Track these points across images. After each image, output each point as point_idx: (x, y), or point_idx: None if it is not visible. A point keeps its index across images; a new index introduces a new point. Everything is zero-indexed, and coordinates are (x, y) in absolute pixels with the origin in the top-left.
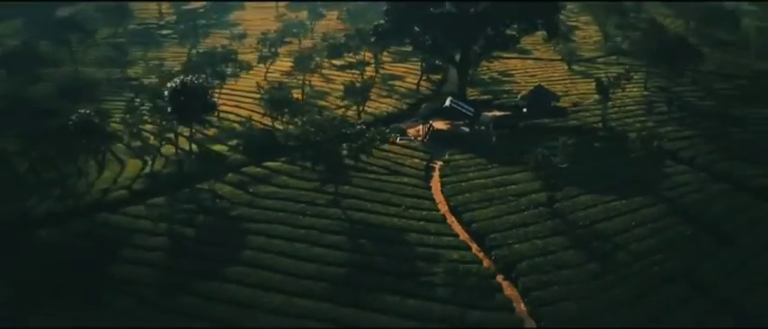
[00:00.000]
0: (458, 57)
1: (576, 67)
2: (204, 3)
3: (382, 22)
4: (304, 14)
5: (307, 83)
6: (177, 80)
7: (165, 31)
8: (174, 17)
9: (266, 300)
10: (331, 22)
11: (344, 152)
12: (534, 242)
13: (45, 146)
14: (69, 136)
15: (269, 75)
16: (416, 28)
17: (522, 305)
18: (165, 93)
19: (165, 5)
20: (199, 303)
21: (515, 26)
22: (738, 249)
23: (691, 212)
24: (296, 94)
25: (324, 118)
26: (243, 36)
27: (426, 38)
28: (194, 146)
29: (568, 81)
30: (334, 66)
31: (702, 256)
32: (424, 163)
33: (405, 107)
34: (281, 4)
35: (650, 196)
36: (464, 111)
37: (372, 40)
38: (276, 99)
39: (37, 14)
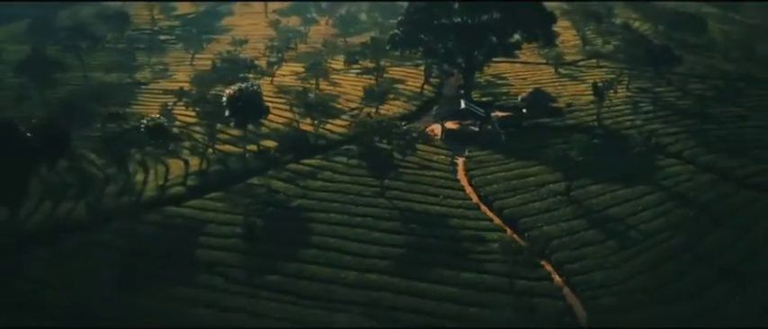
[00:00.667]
0: (461, 63)
1: (561, 70)
2: (195, 9)
3: (396, 31)
4: (294, 20)
5: (315, 86)
6: (235, 87)
7: (162, 37)
8: (167, 23)
9: (343, 276)
10: (321, 28)
11: (394, 149)
12: (560, 224)
13: (120, 148)
14: (141, 137)
15: (275, 79)
16: (427, 37)
17: (557, 276)
18: (223, 98)
19: (155, 11)
20: (284, 280)
21: (517, 35)
22: (730, 228)
23: (686, 198)
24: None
25: (374, 119)
26: (244, 42)
27: (438, 46)
28: (241, 147)
29: (557, 83)
30: (335, 70)
31: (701, 234)
32: (449, 159)
33: (414, 109)
34: (270, 9)
35: (650, 185)
36: (477, 112)
37: (388, 47)
38: (310, 102)
39: (27, 16)
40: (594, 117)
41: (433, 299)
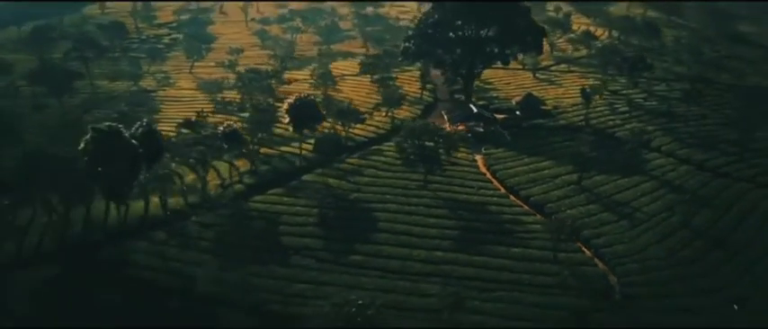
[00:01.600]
0: (463, 71)
1: (539, 75)
2: (176, 17)
3: (407, 44)
4: (275, 29)
5: (324, 93)
6: (294, 97)
7: (157, 46)
8: (152, 31)
9: (415, 254)
10: (304, 36)
11: (440, 148)
12: (579, 208)
13: (201, 151)
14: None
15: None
16: (437, 49)
17: (586, 249)
18: (284, 107)
19: (138, 20)
20: (366, 259)
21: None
22: (713, 209)
23: (673, 185)
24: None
25: (421, 123)
26: (239, 51)
27: (447, 57)
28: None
29: (539, 87)
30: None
31: (692, 214)
32: (471, 156)
33: (418, 112)
34: (249, 18)
35: (642, 175)
36: (487, 115)
37: (400, 59)
38: (341, 110)
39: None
40: (582, 118)
41: (493, 269)
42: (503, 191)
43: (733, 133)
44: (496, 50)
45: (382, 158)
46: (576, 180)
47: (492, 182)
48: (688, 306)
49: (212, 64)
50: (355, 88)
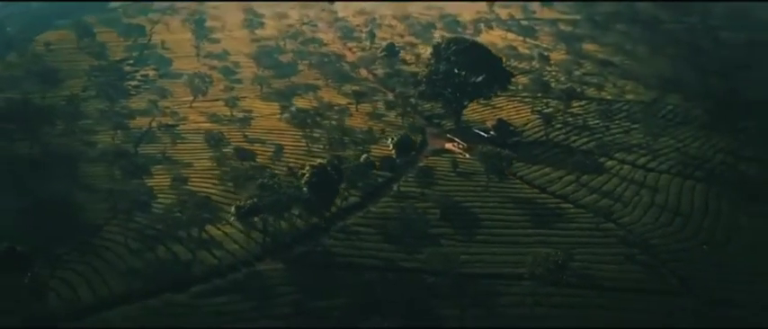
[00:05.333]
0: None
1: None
2: (127, 54)
3: (423, 88)
4: (229, 64)
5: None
6: (399, 134)
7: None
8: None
9: (517, 232)
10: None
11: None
12: (589, 197)
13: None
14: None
15: None
16: (444, 91)
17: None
18: (390, 140)
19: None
20: (488, 237)
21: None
22: (661, 191)
23: (628, 179)
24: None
25: (491, 149)
26: (231, 88)
27: (450, 96)
28: None
29: (485, 111)
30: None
31: (654, 197)
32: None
33: (420, 137)
34: (202, 54)
35: (607, 174)
36: (490, 136)
37: (415, 100)
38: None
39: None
40: (542, 134)
41: (569, 237)
42: (535, 190)
43: (634, 139)
44: (482, 89)
45: (436, 173)
46: (576, 179)
47: (525, 185)
48: (681, 249)
49: (202, 98)
50: (352, 118)
